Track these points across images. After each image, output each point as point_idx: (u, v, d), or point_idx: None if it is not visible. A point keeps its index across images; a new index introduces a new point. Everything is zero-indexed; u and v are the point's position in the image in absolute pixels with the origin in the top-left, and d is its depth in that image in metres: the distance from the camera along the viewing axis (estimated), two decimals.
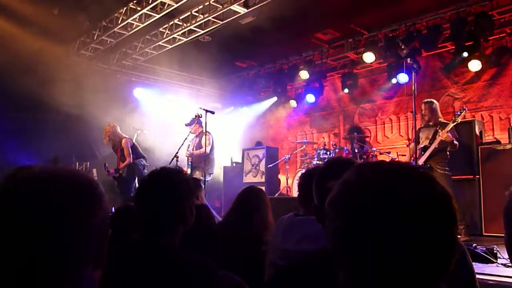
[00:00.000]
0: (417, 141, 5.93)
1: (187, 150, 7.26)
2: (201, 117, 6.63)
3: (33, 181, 0.88)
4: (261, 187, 3.38)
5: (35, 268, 0.84)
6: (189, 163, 7.07)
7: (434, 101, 6.11)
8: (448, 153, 5.77)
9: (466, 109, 5.97)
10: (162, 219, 1.75)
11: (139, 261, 1.64)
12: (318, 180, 1.56)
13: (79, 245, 0.88)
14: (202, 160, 6.95)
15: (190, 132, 7.22)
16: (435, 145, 5.68)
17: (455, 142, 5.61)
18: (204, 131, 6.88)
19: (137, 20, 7.80)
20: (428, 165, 5.69)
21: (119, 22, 7.94)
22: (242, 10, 7.11)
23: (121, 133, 7.31)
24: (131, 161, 7.15)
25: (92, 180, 0.96)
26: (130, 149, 7.17)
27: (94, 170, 9.42)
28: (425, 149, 5.80)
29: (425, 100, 6.11)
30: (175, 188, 1.80)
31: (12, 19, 7.16)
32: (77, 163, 9.37)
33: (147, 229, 1.75)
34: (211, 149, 7.24)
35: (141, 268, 1.61)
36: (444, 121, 5.92)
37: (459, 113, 5.71)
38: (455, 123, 5.66)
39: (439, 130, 5.69)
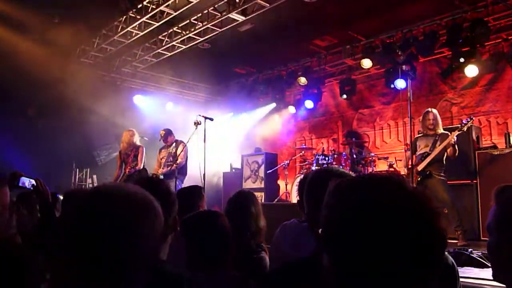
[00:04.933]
0: (413, 150, 5.97)
1: (161, 167, 7.38)
2: (200, 123, 6.66)
3: (110, 199, 1.05)
4: (251, 191, 3.40)
5: (103, 267, 0.99)
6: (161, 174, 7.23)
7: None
8: (444, 161, 5.82)
9: (473, 118, 6.00)
10: None
11: None
12: (307, 190, 1.60)
13: (141, 250, 1.02)
14: (175, 170, 7.09)
15: (163, 146, 7.55)
16: (436, 152, 5.70)
17: (456, 148, 5.64)
18: (179, 141, 7.33)
19: (136, 28, 7.88)
20: (428, 172, 5.72)
21: (119, 30, 8.02)
22: (240, 18, 7.18)
23: (137, 140, 7.41)
24: (141, 167, 7.21)
25: (152, 198, 1.11)
26: (144, 157, 7.27)
27: (95, 177, 9.47)
28: (424, 155, 5.82)
29: (432, 109, 6.12)
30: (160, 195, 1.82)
31: (12, 27, 7.23)
32: (77, 170, 9.42)
33: None
34: (186, 160, 7.37)
35: None
36: (444, 132, 5.93)
37: (465, 122, 5.73)
38: (460, 132, 5.69)
39: (439, 140, 5.73)
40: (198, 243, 2.10)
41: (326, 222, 0.90)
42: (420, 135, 6.10)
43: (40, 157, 7.81)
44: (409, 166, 5.92)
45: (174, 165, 7.19)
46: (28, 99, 8.41)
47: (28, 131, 8.24)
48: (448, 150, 5.68)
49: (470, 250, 4.18)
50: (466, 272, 3.67)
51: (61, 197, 2.99)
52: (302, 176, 8.30)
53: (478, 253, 4.09)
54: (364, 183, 0.91)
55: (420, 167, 5.79)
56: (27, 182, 2.56)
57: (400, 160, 6.92)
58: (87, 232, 1.00)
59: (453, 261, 1.60)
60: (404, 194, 0.86)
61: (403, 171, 6.34)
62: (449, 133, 5.83)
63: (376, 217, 0.82)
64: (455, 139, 5.58)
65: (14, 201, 3.63)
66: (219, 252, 2.11)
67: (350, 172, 7.29)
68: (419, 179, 5.73)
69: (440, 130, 5.95)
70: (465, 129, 5.73)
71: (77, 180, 9.36)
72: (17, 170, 2.63)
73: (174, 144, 7.47)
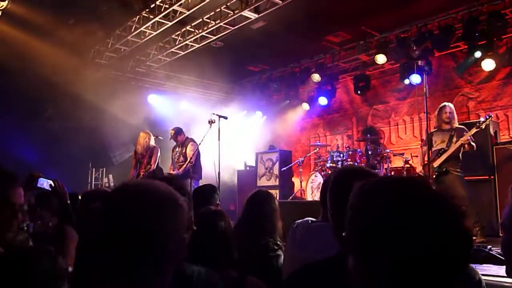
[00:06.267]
0: (429, 145, 5.89)
1: (172, 170, 7.43)
2: (214, 122, 6.69)
3: (139, 195, 1.11)
4: (269, 190, 3.41)
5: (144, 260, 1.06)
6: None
7: None
8: (461, 156, 5.74)
9: (492, 116, 5.92)
10: None
11: None
12: (331, 191, 1.58)
13: (171, 244, 1.09)
14: (189, 169, 7.10)
15: (176, 145, 7.57)
16: (453, 149, 5.63)
17: (473, 144, 5.57)
18: (189, 139, 7.40)
19: (150, 28, 7.93)
20: (444, 169, 5.65)
21: (132, 30, 8.08)
22: (253, 16, 7.17)
23: (153, 141, 7.46)
24: (155, 168, 7.27)
25: (177, 195, 1.17)
26: (158, 158, 7.32)
27: (110, 176, 9.58)
28: (441, 152, 5.75)
29: (448, 103, 6.05)
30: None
31: (27, 29, 7.33)
32: (93, 169, 9.55)
33: None
34: (197, 157, 7.35)
35: None
36: (460, 126, 5.86)
37: (483, 119, 5.65)
38: (478, 129, 5.60)
39: (454, 135, 5.65)
40: (198, 242, 2.11)
41: (351, 224, 0.89)
42: (435, 129, 6.02)
43: (56, 157, 7.94)
44: (425, 162, 5.84)
45: (185, 165, 7.21)
46: (45, 101, 8.54)
47: (45, 132, 8.37)
48: (466, 146, 5.60)
49: (489, 247, 4.11)
50: (485, 270, 3.61)
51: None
52: (317, 173, 8.28)
53: (497, 250, 4.02)
54: (388, 185, 0.90)
55: (436, 164, 5.72)
56: (45, 183, 2.60)
57: (416, 156, 6.83)
58: (118, 229, 1.06)
59: (480, 277, 1.57)
60: (429, 195, 0.86)
61: (419, 168, 6.27)
62: (465, 128, 5.74)
63: (402, 219, 0.81)
64: (471, 139, 5.50)
65: (32, 203, 3.68)
66: (218, 252, 2.12)
67: (377, 172, 7.25)
68: (435, 175, 5.66)
69: (456, 124, 5.87)
70: (483, 126, 5.63)
71: (93, 179, 9.49)
72: (35, 171, 2.66)
73: (184, 143, 7.50)
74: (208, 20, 7.75)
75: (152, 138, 7.41)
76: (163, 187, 1.16)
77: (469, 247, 0.84)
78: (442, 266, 0.80)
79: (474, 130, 5.57)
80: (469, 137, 5.52)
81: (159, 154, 7.38)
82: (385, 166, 7.76)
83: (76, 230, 2.34)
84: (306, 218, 2.33)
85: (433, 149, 5.89)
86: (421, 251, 0.79)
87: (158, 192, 1.13)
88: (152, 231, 1.06)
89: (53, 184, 2.60)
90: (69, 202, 2.60)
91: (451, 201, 0.85)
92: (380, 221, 0.83)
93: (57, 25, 7.41)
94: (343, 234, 0.91)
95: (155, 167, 7.27)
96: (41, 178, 2.60)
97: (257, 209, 3.01)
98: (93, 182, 9.47)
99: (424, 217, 0.81)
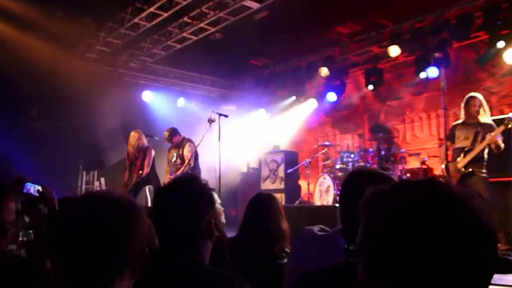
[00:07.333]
0: (451, 140, 5.82)
1: (170, 173, 7.43)
2: (214, 121, 6.69)
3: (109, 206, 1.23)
4: (270, 193, 3.40)
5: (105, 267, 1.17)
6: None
7: None
8: (486, 155, 5.68)
9: None
10: (182, 231, 1.71)
11: (161, 280, 1.61)
12: (341, 196, 1.57)
13: (130, 254, 1.19)
14: (188, 171, 7.10)
15: (171, 146, 7.58)
16: (479, 149, 5.56)
17: (502, 144, 5.51)
18: (185, 139, 7.39)
19: (144, 19, 7.93)
20: (470, 170, 5.59)
21: (125, 22, 8.08)
22: (255, 5, 7.17)
23: (145, 141, 7.46)
24: (148, 171, 7.27)
25: (140, 205, 1.28)
26: (152, 160, 7.32)
27: (102, 179, 9.59)
28: (464, 151, 5.70)
29: (477, 94, 5.95)
30: (191, 197, 1.76)
31: (11, 22, 7.34)
32: (84, 172, 9.56)
33: (166, 244, 1.67)
34: (196, 159, 7.34)
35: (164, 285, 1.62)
36: (487, 122, 5.77)
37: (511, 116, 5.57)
38: (507, 127, 5.51)
39: (480, 132, 5.59)
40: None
41: (362, 233, 0.90)
42: (459, 122, 5.94)
43: (44, 160, 7.94)
44: (446, 163, 5.79)
45: (183, 167, 7.21)
46: (31, 98, 8.55)
47: (31, 133, 8.38)
48: (492, 146, 5.53)
49: None
50: (511, 281, 3.58)
51: None
52: (326, 175, 8.25)
53: None
54: (398, 192, 0.89)
55: (460, 164, 5.66)
56: (32, 188, 2.60)
57: (435, 156, 6.79)
58: (81, 238, 1.17)
59: None
60: (449, 196, 0.85)
61: (441, 167, 6.20)
62: (493, 124, 5.66)
63: (417, 229, 0.81)
64: (501, 138, 5.43)
65: (19, 209, 3.68)
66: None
67: (392, 176, 7.24)
68: (459, 177, 5.60)
69: (483, 119, 5.77)
70: (510, 126, 5.50)
71: (84, 183, 9.50)
72: (21, 175, 2.66)
73: (181, 144, 7.50)
74: (207, 11, 7.74)
75: (144, 137, 7.41)
76: (123, 198, 1.28)
77: (493, 250, 0.85)
78: (461, 275, 0.81)
79: (501, 128, 5.49)
80: (497, 136, 5.44)
81: (153, 155, 7.39)
82: (400, 167, 7.73)
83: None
84: (316, 226, 2.30)
85: (456, 146, 5.83)
86: (437, 264, 0.80)
87: (119, 201, 1.25)
88: (109, 239, 1.17)
89: (41, 190, 2.60)
90: (58, 208, 2.60)
91: (474, 201, 0.85)
92: (391, 232, 0.84)
93: (44, 17, 7.41)
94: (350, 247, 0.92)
95: (148, 170, 7.27)
96: (28, 183, 2.60)
97: (258, 212, 3.00)
98: (83, 186, 9.48)
99: (445, 220, 0.81)
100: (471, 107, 5.78)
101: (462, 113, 5.94)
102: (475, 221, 0.83)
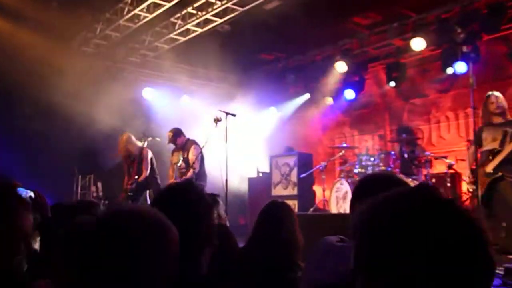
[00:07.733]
0: (478, 143, 5.81)
1: (174, 178, 7.43)
2: (220, 120, 6.70)
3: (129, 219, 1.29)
4: (285, 201, 3.40)
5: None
6: None
7: None
8: None
9: None
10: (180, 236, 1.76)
11: None
12: (350, 205, 1.57)
13: (154, 268, 1.24)
14: (193, 176, 7.10)
15: (175, 148, 7.59)
16: (509, 149, 5.54)
17: None
18: (190, 141, 7.42)
19: (144, 10, 7.98)
20: (500, 174, 5.56)
21: (125, 13, 8.14)
22: None
23: (137, 142, 7.48)
24: (147, 175, 7.31)
25: (165, 219, 1.33)
26: (149, 162, 7.35)
27: (99, 184, 9.65)
28: (493, 152, 5.67)
29: (493, 91, 5.95)
30: (188, 205, 1.82)
31: (3, 14, 7.42)
32: (80, 176, 9.61)
33: None
34: (201, 163, 7.34)
35: None
36: None
37: None
38: None
39: (510, 131, 5.56)
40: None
41: (356, 247, 0.94)
42: (484, 124, 5.93)
43: (37, 162, 8.01)
44: (473, 167, 5.76)
45: (188, 172, 7.23)
46: (24, 96, 8.62)
47: (24, 133, 8.45)
48: None
49: None
50: None
51: None
52: (343, 180, 8.23)
53: None
54: (391, 202, 0.94)
55: (489, 168, 5.63)
56: (24, 194, 2.62)
57: (463, 160, 6.75)
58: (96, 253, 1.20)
59: None
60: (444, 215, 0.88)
61: (467, 173, 6.18)
62: None
63: (406, 245, 0.86)
64: None
65: None
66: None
67: (415, 179, 7.11)
68: (488, 182, 5.57)
69: (508, 117, 5.78)
70: None
71: (79, 188, 9.56)
72: (12, 179, 2.69)
73: (185, 146, 7.50)
74: (213, 0, 7.77)
75: (134, 139, 7.44)
76: (153, 214, 1.32)
77: (486, 254, 0.87)
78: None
79: None
80: None
81: (150, 156, 7.41)
82: (425, 172, 7.70)
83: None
84: (336, 236, 2.30)
85: (483, 149, 5.81)
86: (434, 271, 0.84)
87: (147, 220, 1.29)
88: (131, 256, 1.20)
89: (33, 196, 2.63)
90: (50, 215, 2.62)
91: (471, 217, 0.89)
92: (385, 248, 0.88)
93: (37, 8, 7.48)
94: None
95: (147, 173, 7.30)
96: (20, 188, 2.63)
97: (271, 223, 3.01)
98: (79, 192, 9.54)
99: (434, 230, 0.85)
100: (490, 105, 5.80)
101: (482, 114, 5.93)
102: (465, 225, 0.87)
